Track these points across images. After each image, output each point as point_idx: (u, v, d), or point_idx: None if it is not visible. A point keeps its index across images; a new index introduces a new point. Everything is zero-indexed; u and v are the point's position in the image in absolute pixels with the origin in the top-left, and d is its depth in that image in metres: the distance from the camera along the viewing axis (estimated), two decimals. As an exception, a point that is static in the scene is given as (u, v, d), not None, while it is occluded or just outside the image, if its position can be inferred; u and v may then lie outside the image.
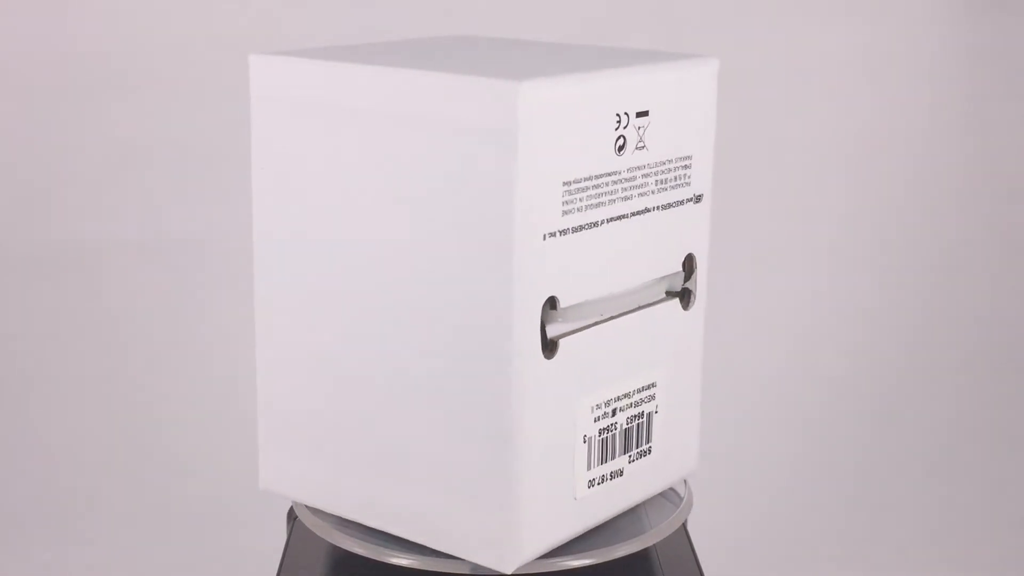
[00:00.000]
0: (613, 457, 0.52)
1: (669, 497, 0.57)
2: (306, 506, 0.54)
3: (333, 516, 0.53)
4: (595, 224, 0.49)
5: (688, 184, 0.53)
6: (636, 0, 1.08)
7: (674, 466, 0.55)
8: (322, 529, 0.52)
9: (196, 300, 1.07)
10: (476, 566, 0.49)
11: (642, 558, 0.54)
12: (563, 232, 0.47)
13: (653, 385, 0.53)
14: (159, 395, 1.06)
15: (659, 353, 0.53)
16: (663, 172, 0.51)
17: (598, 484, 0.51)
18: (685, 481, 0.58)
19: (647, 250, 0.51)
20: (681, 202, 0.52)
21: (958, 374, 1.13)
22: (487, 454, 0.48)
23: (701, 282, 0.54)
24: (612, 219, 0.49)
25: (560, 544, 0.50)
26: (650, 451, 0.54)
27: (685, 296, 0.54)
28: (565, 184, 0.47)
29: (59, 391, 1.06)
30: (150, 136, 1.05)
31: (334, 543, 0.52)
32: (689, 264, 0.54)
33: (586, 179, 0.48)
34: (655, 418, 0.53)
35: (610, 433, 0.51)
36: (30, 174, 1.05)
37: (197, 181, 1.06)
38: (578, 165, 0.48)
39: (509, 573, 0.49)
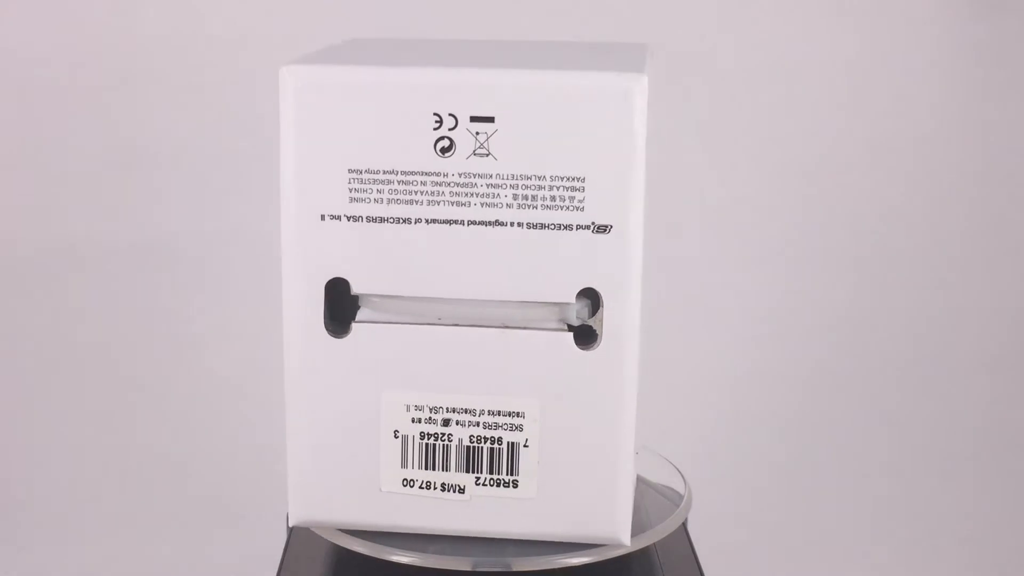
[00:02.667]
0: (446, 468, 0.49)
1: (669, 497, 0.55)
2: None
3: None
4: (404, 220, 0.47)
5: (580, 209, 0.46)
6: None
7: (572, 520, 0.49)
8: (322, 528, 0.52)
9: (196, 300, 1.04)
10: (478, 562, 0.50)
11: (642, 558, 0.53)
12: (351, 218, 0.47)
13: (519, 415, 0.48)
14: (159, 395, 1.04)
15: (532, 384, 0.48)
16: (525, 188, 0.46)
17: (419, 487, 0.49)
18: (685, 481, 0.56)
19: (509, 268, 0.47)
20: (568, 227, 0.46)
21: (959, 373, 1.08)
22: (288, 416, 0.50)
23: (613, 325, 0.47)
24: (436, 221, 0.47)
25: (365, 528, 0.50)
26: (515, 485, 0.49)
27: (585, 334, 0.47)
28: (351, 171, 0.47)
29: (59, 391, 1.04)
30: (150, 136, 1.02)
31: (334, 542, 0.52)
32: (594, 300, 0.47)
33: (386, 172, 0.46)
34: (523, 452, 0.49)
35: (440, 442, 0.49)
36: (30, 174, 1.03)
37: (197, 181, 1.03)
38: (370, 156, 0.46)
39: (291, 525, 0.51)
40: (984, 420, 1.09)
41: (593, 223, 0.46)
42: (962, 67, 1.07)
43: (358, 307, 0.49)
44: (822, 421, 1.08)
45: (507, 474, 0.49)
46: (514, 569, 0.49)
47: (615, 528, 0.49)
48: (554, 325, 0.48)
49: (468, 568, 0.49)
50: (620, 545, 0.50)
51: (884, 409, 1.09)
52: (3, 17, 1.00)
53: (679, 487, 0.56)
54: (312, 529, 0.52)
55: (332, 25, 0.99)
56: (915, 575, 1.02)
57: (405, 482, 0.50)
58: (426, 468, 0.49)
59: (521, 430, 0.49)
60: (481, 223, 0.47)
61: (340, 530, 0.51)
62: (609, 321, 0.47)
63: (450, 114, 0.46)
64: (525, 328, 0.48)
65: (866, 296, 1.08)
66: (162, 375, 1.03)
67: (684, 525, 0.56)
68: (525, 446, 0.49)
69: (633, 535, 0.50)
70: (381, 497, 0.50)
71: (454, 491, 0.49)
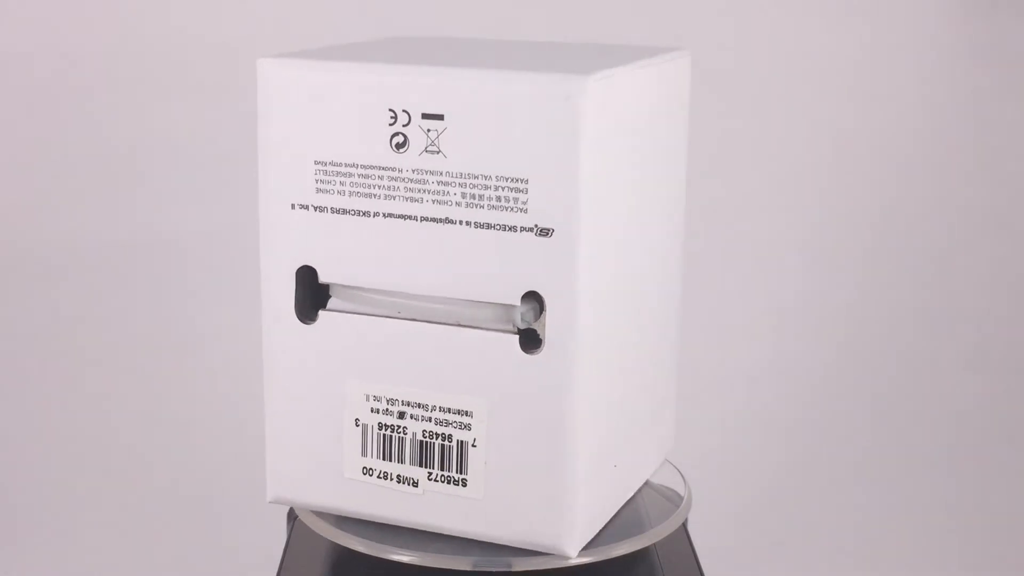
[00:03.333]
0: (401, 461, 0.50)
1: (669, 497, 0.55)
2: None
3: (333, 515, 0.53)
4: (364, 213, 0.48)
5: (523, 211, 0.46)
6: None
7: (517, 525, 0.49)
8: (322, 528, 0.52)
9: (194, 300, 1.03)
10: (478, 561, 0.51)
11: (642, 557, 0.53)
12: (318, 208, 0.49)
13: (468, 414, 0.49)
14: (158, 395, 1.03)
15: (480, 385, 0.48)
16: (473, 187, 0.47)
17: (377, 477, 0.50)
18: (685, 481, 0.56)
19: (459, 266, 0.47)
20: (513, 228, 0.46)
21: (959, 372, 1.09)
22: (265, 398, 0.52)
23: (556, 330, 0.47)
24: (392, 215, 0.48)
25: (330, 511, 0.52)
26: (464, 484, 0.49)
27: (530, 338, 0.47)
28: (318, 163, 0.48)
29: (59, 391, 1.03)
30: (151, 136, 1.02)
31: (335, 541, 0.52)
32: (539, 304, 0.47)
33: (347, 164, 0.48)
34: (471, 452, 0.49)
35: (396, 434, 0.50)
36: (30, 174, 1.02)
37: (198, 181, 1.02)
38: (335, 149, 0.48)
39: (268, 500, 0.53)
40: (985, 421, 1.09)
41: (536, 226, 0.46)
42: (967, 67, 1.07)
43: (329, 296, 0.50)
44: (822, 421, 1.09)
45: (456, 472, 0.50)
46: (514, 569, 0.49)
47: (560, 538, 0.49)
48: (502, 327, 0.48)
49: (468, 568, 0.50)
50: (565, 556, 0.49)
51: (884, 410, 1.09)
52: (3, 17, 1.00)
53: (679, 487, 0.56)
54: (301, 519, 0.54)
55: (333, 25, 1.00)
56: (915, 575, 1.04)
57: (365, 470, 0.51)
58: (384, 459, 0.50)
59: (470, 429, 0.49)
60: (432, 220, 0.48)
61: (340, 528, 0.52)
62: (552, 326, 0.47)
63: (404, 110, 0.47)
64: (475, 328, 0.48)
65: (866, 297, 1.09)
66: (161, 375, 1.03)
67: (684, 525, 0.56)
68: (473, 446, 0.49)
69: (633, 535, 0.51)
70: (344, 483, 0.51)
71: (408, 484, 0.50)
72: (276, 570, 0.55)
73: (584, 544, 0.50)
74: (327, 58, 0.49)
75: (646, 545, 0.52)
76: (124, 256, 1.03)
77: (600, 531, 0.51)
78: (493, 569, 0.49)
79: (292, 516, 0.58)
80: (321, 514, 0.53)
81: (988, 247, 1.08)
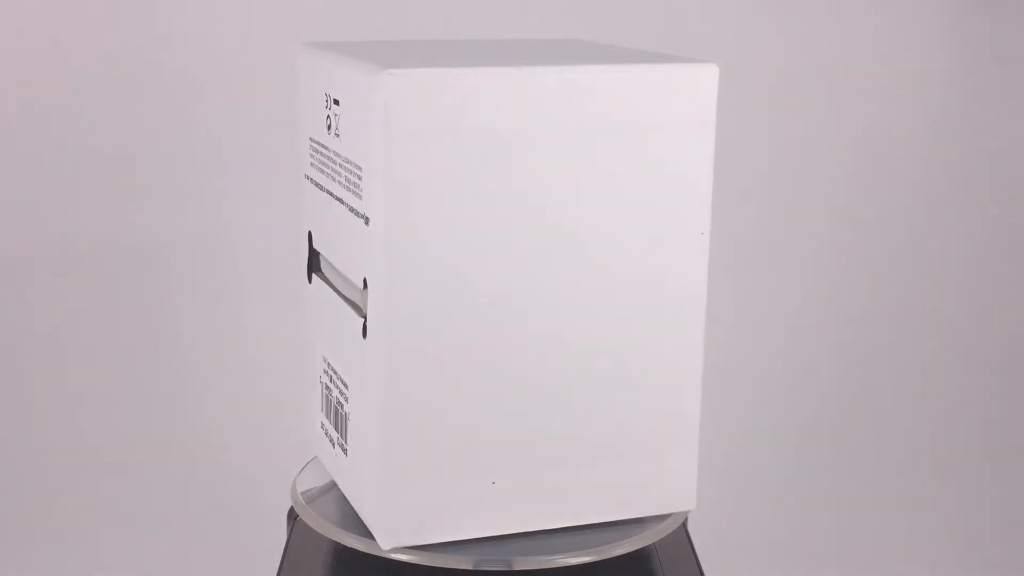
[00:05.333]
0: (334, 425, 0.53)
1: None
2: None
3: (334, 514, 0.54)
4: (321, 187, 0.53)
5: (360, 196, 0.48)
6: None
7: (363, 504, 0.51)
8: (323, 527, 0.53)
9: (194, 300, 1.02)
10: (479, 560, 0.53)
11: (642, 557, 0.55)
12: (311, 180, 0.54)
13: (348, 387, 0.51)
14: (158, 395, 1.03)
15: (353, 363, 0.50)
16: (346, 170, 0.49)
17: (325, 434, 0.54)
18: None
19: (347, 245, 0.50)
20: (356, 212, 0.48)
21: (959, 372, 1.10)
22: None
23: (375, 319, 0.47)
24: (328, 192, 0.52)
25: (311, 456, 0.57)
26: (346, 453, 0.51)
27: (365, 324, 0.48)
28: (311, 140, 0.54)
29: (59, 391, 1.03)
30: (152, 136, 1.00)
31: (335, 539, 0.52)
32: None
33: (316, 142, 0.53)
34: (348, 421, 0.51)
35: (332, 397, 0.53)
36: (31, 174, 1.00)
37: (198, 181, 1.01)
38: (313, 128, 0.53)
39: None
40: (985, 419, 1.10)
41: (364, 213, 0.48)
42: (967, 67, 1.06)
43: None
44: (822, 422, 1.09)
45: (345, 441, 0.52)
46: (515, 568, 0.51)
47: (375, 527, 0.49)
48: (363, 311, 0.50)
49: (469, 567, 0.51)
50: (379, 547, 0.49)
51: (884, 410, 1.09)
52: (6, 16, 0.99)
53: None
54: (301, 518, 0.55)
55: (335, 25, 1.00)
56: (915, 575, 1.05)
57: (321, 425, 0.56)
58: (328, 419, 0.55)
59: (347, 401, 0.52)
60: (337, 199, 0.51)
61: (340, 527, 0.53)
62: (370, 314, 0.48)
63: (327, 95, 0.51)
64: (358, 310, 0.51)
65: (868, 296, 1.09)
66: (161, 375, 1.03)
67: (684, 525, 0.57)
68: (348, 419, 0.52)
69: (633, 535, 0.52)
70: (316, 433, 0.56)
71: (333, 444, 0.54)
72: (276, 570, 0.56)
73: (413, 543, 0.50)
74: (327, 49, 0.54)
75: (646, 545, 0.52)
76: (124, 256, 1.02)
77: (599, 530, 0.51)
78: (493, 568, 0.50)
79: (292, 516, 0.59)
80: (321, 514, 0.54)
81: (989, 247, 1.10)
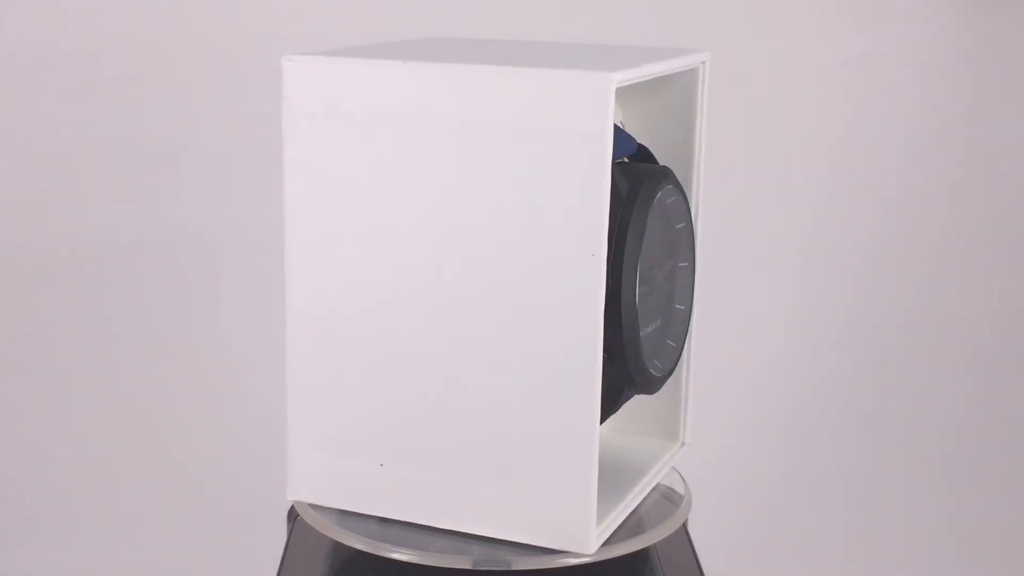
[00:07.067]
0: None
1: (669, 497, 0.56)
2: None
3: (334, 513, 0.54)
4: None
5: None
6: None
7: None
8: (323, 526, 0.53)
9: (196, 301, 1.03)
10: (477, 560, 0.53)
11: (642, 558, 0.55)
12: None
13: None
14: (158, 396, 1.03)
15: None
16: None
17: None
18: (685, 481, 0.57)
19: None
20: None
21: (958, 373, 1.11)
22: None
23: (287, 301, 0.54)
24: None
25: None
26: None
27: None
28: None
29: (59, 391, 1.03)
30: (151, 136, 1.01)
31: (335, 539, 0.53)
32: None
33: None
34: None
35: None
36: (30, 174, 1.01)
37: (198, 181, 1.01)
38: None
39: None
40: (985, 419, 1.10)
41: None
42: (967, 67, 1.06)
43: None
44: (822, 422, 1.09)
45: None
46: (514, 568, 0.51)
47: (290, 479, 0.54)
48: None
49: (468, 566, 0.52)
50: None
51: (884, 411, 1.10)
52: (9, 16, 0.99)
53: (679, 487, 0.56)
54: (302, 517, 0.56)
55: (336, 25, 1.00)
56: (914, 575, 1.06)
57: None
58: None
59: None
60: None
61: (340, 527, 0.54)
62: (287, 295, 0.55)
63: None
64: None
65: (866, 296, 1.09)
66: (162, 375, 1.03)
67: (684, 525, 0.57)
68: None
69: (633, 535, 0.52)
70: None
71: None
72: (276, 570, 0.57)
73: (313, 501, 0.54)
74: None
75: (646, 545, 0.52)
76: (125, 256, 1.02)
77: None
78: (492, 568, 0.51)
79: (292, 516, 0.59)
80: (322, 513, 0.54)
81: (988, 247, 1.10)
